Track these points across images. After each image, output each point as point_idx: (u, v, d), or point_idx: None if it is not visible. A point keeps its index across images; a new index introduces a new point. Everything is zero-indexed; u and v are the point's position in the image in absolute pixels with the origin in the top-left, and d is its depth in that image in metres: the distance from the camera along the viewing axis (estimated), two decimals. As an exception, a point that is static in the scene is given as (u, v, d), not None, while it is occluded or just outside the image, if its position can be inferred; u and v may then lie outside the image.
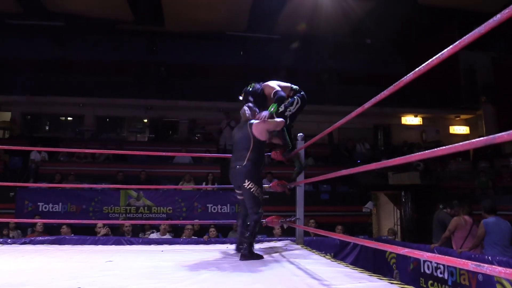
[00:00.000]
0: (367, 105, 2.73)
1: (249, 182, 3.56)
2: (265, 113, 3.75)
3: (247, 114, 3.84)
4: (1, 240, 5.47)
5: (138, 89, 15.46)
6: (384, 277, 2.88)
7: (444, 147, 1.72)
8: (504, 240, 5.39)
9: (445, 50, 1.68)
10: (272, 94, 4.05)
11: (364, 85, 15.25)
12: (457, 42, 1.60)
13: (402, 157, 2.21)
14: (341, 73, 17.00)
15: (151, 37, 16.92)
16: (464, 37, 1.56)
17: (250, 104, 3.96)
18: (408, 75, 2.05)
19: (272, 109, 3.85)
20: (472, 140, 1.56)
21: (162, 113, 15.82)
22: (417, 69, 1.93)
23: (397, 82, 2.16)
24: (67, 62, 16.07)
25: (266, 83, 4.22)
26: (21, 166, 11.84)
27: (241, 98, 4.14)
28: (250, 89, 4.11)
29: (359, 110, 2.95)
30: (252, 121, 3.79)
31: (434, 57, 1.75)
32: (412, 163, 11.93)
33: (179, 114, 15.93)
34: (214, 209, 9.42)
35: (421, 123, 17.10)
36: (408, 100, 16.04)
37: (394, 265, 6.51)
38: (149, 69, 16.30)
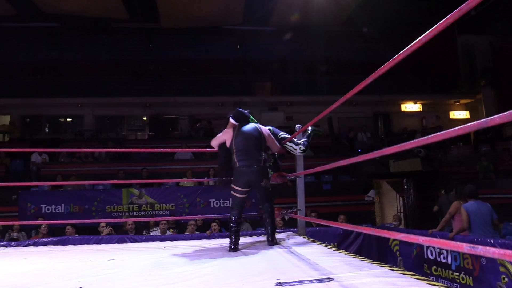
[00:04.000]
0: (351, 93, 2.72)
1: (266, 181, 3.81)
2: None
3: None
4: (5, 243, 5.50)
5: (136, 87, 15.45)
6: (387, 264, 2.88)
7: (441, 132, 1.71)
8: (485, 222, 5.62)
9: (430, 30, 1.66)
10: (273, 152, 4.29)
11: (360, 74, 15.21)
12: (441, 22, 1.58)
13: (402, 144, 2.20)
14: (335, 63, 16.95)
15: (147, 34, 16.88)
16: (447, 17, 1.53)
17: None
18: (392, 58, 2.04)
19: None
20: (466, 124, 1.55)
21: (161, 110, 15.82)
22: (402, 51, 1.92)
23: (381, 67, 2.15)
24: (64, 63, 16.06)
25: (269, 132, 4.18)
26: (23, 169, 11.87)
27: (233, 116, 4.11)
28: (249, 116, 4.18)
29: (344, 98, 2.94)
30: (260, 126, 4.04)
31: (419, 38, 1.74)
32: (413, 150, 11.92)
33: (178, 111, 15.93)
34: (217, 204, 9.44)
35: (421, 109, 17.07)
36: (407, 87, 16.00)
37: (398, 252, 6.52)
38: (146, 67, 16.27)
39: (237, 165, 3.85)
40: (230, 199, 3.92)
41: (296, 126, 4.76)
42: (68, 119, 16.57)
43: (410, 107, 17.02)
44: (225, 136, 3.98)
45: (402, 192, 12.61)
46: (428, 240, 1.59)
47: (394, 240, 6.38)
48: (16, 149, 11.97)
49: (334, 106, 3.35)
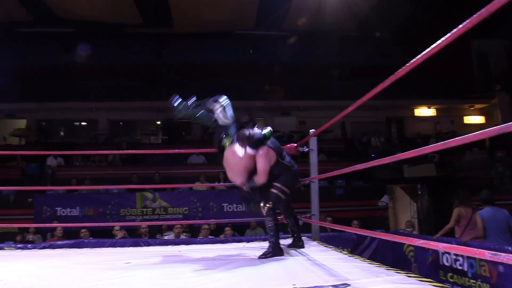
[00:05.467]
0: (366, 97, 2.73)
1: None
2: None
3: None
4: (22, 245, 5.57)
5: (149, 91, 15.56)
6: (402, 270, 2.86)
7: (458, 137, 1.71)
8: (500, 228, 5.52)
9: (445, 37, 1.66)
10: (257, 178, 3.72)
11: (372, 79, 15.11)
12: (455, 30, 1.58)
13: (417, 149, 2.19)
14: (348, 67, 16.88)
15: (160, 39, 17.00)
16: (462, 25, 1.53)
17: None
18: (407, 64, 2.05)
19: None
20: (485, 130, 1.54)
21: (174, 115, 15.89)
22: (417, 57, 1.92)
23: (396, 72, 2.15)
24: (78, 68, 16.23)
25: (260, 155, 3.70)
26: (38, 172, 12.02)
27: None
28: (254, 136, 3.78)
29: (358, 102, 2.94)
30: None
31: (437, 43, 1.73)
32: (427, 155, 11.81)
33: (191, 115, 15.99)
34: (230, 208, 9.46)
35: (435, 114, 16.90)
36: (421, 91, 15.86)
37: (413, 258, 6.45)
38: (159, 71, 16.39)
39: (294, 168, 3.85)
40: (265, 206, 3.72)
41: (310, 131, 4.74)
42: (83, 123, 16.77)
43: (423, 111, 16.87)
44: (268, 158, 3.73)
45: (416, 198, 12.48)
46: (448, 247, 1.58)
47: (409, 246, 6.32)
48: (32, 152, 12.18)
49: (348, 110, 3.35)
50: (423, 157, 11.85)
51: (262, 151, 3.68)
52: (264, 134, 3.66)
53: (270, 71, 16.33)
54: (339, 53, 16.65)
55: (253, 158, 3.62)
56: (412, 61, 2.08)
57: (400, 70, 2.28)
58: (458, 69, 15.93)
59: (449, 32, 1.74)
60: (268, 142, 3.79)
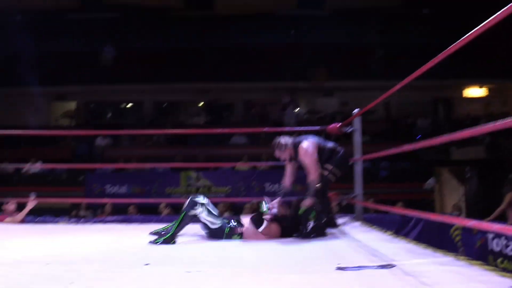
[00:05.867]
0: (412, 76, 2.64)
1: None
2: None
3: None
4: (75, 220, 5.88)
5: (193, 73, 15.75)
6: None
7: (511, 119, 1.62)
8: None
9: (499, 12, 1.57)
10: (311, 185, 3.66)
11: (418, 58, 14.54)
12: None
13: (466, 130, 2.10)
14: (392, 46, 16.33)
15: (202, 21, 17.08)
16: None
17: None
18: (457, 41, 1.95)
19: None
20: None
21: (217, 96, 16.07)
22: (468, 34, 1.82)
23: (445, 50, 2.06)
24: (125, 51, 16.63)
25: (302, 150, 3.74)
26: (88, 152, 12.54)
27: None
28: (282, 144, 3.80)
29: (404, 82, 2.85)
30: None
31: (487, 20, 1.63)
32: (477, 137, 11.34)
33: (234, 96, 16.11)
34: (272, 187, 9.53)
35: (486, 94, 16.11)
36: (471, 70, 15.14)
37: (460, 242, 6.26)
38: (202, 53, 16.53)
39: (340, 149, 3.88)
40: None
41: (355, 110, 4.65)
42: (129, 105, 17.27)
43: (474, 92, 16.11)
44: (310, 153, 3.73)
45: (464, 181, 12.07)
46: (502, 228, 1.53)
47: (456, 229, 6.15)
48: (82, 132, 12.71)
49: (394, 89, 3.26)
50: (472, 139, 11.39)
51: (301, 150, 3.71)
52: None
53: (312, 51, 16.09)
54: (384, 32, 16.14)
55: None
56: (462, 38, 1.98)
57: (450, 47, 2.18)
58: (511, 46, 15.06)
59: (504, 6, 1.64)
60: (301, 138, 3.83)
